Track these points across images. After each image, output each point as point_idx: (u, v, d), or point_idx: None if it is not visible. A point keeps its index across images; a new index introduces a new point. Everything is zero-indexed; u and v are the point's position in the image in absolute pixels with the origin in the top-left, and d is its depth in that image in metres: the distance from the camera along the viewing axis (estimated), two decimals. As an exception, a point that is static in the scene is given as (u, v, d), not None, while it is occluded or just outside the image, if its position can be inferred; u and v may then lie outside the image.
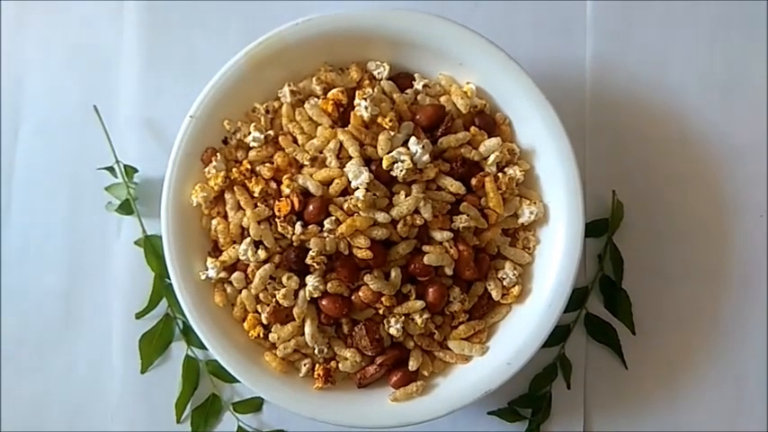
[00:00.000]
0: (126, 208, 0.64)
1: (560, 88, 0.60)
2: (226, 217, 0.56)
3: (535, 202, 0.56)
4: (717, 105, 0.65)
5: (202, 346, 0.55)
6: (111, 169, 0.64)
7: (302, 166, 0.55)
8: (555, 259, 0.55)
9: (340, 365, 0.55)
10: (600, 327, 0.64)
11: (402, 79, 0.57)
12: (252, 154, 0.56)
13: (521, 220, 0.56)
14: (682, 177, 0.65)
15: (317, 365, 0.55)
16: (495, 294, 0.56)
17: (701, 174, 0.65)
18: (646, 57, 0.66)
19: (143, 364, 0.63)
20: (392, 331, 0.54)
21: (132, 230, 0.65)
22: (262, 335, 0.55)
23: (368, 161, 0.54)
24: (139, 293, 0.63)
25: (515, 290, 0.56)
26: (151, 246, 0.63)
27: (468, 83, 0.57)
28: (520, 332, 0.55)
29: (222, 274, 0.55)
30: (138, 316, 0.63)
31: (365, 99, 0.54)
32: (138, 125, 0.65)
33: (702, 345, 0.64)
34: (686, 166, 0.65)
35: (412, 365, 0.55)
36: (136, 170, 0.64)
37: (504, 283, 0.56)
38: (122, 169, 0.64)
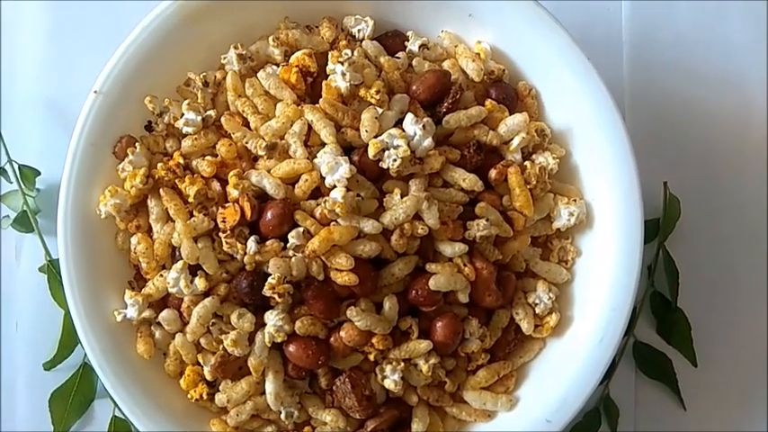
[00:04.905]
0: (24, 223, 0.58)
1: (590, 50, 0.53)
2: (149, 232, 0.51)
3: (575, 200, 0.52)
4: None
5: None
6: (2, 172, 0.58)
7: (256, 158, 0.51)
8: (604, 276, 0.50)
9: (317, 433, 0.50)
10: (652, 358, 0.59)
11: (391, 39, 0.53)
12: (185, 143, 0.51)
13: (556, 225, 0.52)
14: (747, 162, 0.60)
15: (286, 435, 0.50)
16: (524, 326, 0.51)
17: (771, 158, 0.62)
18: (696, 11, 0.61)
19: (56, 429, 0.57)
20: (387, 383, 0.49)
21: (36, 253, 0.58)
22: (206, 396, 0.50)
23: (348, 149, 0.50)
24: (48, 336, 0.58)
25: (552, 319, 0.52)
26: (58, 274, 0.54)
27: (479, 42, 0.53)
28: (560, 376, 0.50)
29: (147, 314, 0.50)
30: (47, 366, 0.57)
31: (341, 64, 0.49)
32: (40, 111, 0.60)
33: (781, 379, 0.60)
34: (752, 148, 0.60)
35: (416, 429, 0.50)
36: (37, 172, 0.58)
37: (537, 311, 0.52)
38: (17, 172, 0.57)
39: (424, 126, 0.48)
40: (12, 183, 0.57)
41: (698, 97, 0.60)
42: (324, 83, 0.50)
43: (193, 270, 0.49)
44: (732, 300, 0.59)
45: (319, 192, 0.49)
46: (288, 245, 0.48)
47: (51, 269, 0.56)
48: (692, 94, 0.60)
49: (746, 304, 0.59)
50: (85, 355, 0.54)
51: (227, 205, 0.48)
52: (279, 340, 0.48)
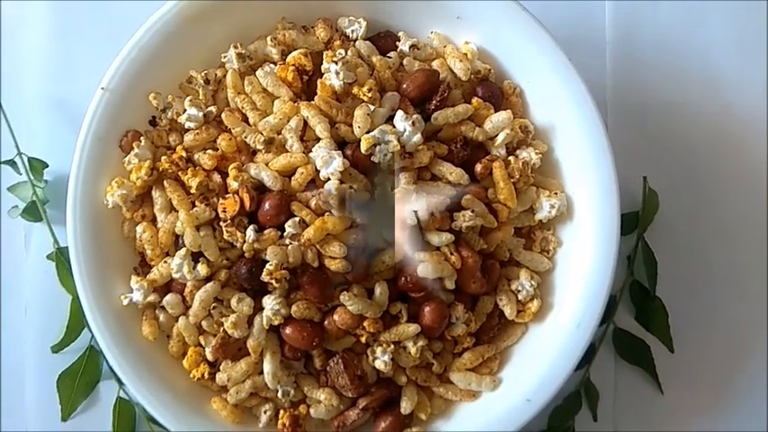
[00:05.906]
0: (33, 213, 0.59)
1: (574, 50, 0.54)
2: (154, 221, 0.52)
3: (556, 193, 0.53)
4: (763, 71, 0.62)
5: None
6: (12, 164, 0.59)
7: (254, 151, 0.51)
8: (583, 265, 0.51)
9: (312, 411, 0.52)
10: (631, 344, 0.60)
11: (383, 39, 0.54)
12: (188, 137, 0.52)
13: (538, 217, 0.53)
14: (724, 159, 0.61)
15: (282, 412, 0.51)
16: (508, 312, 0.52)
17: (747, 155, 0.61)
18: (678, 12, 0.62)
19: (64, 409, 0.58)
20: (378, 364, 0.50)
21: (44, 241, 0.59)
22: (207, 375, 0.51)
23: (341, 144, 0.50)
24: (56, 321, 0.58)
25: (533, 305, 0.53)
26: (66, 261, 0.56)
27: (467, 42, 0.54)
28: (541, 359, 0.51)
29: (151, 298, 0.51)
30: (55, 349, 0.58)
31: (336, 63, 0.50)
32: (47, 107, 0.61)
33: (753, 364, 0.60)
34: (729, 146, 0.61)
35: (405, 407, 0.51)
36: (45, 164, 0.59)
37: (520, 297, 0.53)
38: (26, 163, 0.58)
39: (413, 122, 0.49)
40: (21, 174, 0.58)
41: (679, 96, 0.61)
42: (319, 81, 0.51)
43: (196, 257, 0.50)
44: (707, 289, 0.60)
45: (314, 184, 0.49)
46: (284, 234, 0.48)
47: (59, 257, 0.57)
48: (673, 93, 0.61)
49: (721, 293, 0.60)
50: (92, 338, 0.57)
51: (227, 196, 0.49)
52: (276, 323, 0.49)
